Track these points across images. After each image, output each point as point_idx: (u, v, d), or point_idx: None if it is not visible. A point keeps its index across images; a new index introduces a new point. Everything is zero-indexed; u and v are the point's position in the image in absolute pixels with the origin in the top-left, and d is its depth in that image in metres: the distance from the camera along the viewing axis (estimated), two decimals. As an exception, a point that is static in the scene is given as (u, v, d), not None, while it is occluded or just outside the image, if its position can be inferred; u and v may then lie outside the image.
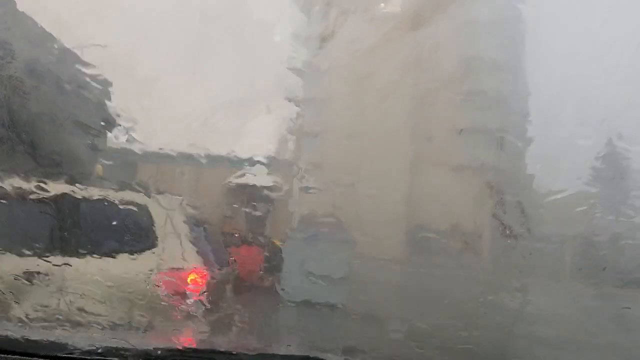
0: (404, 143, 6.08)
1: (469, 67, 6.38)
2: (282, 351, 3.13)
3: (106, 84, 4.89)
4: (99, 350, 2.40)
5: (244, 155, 5.46)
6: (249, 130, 5.74)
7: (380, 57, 5.61)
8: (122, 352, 2.45)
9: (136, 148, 4.75)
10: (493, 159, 5.70)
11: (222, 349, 2.88)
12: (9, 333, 2.66)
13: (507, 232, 4.27)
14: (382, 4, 5.79)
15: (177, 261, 3.94)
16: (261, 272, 5.05)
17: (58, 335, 2.86)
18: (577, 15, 4.63)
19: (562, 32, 4.80)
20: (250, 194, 5.48)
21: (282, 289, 4.46)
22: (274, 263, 5.04)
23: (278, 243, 5.29)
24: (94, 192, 4.04)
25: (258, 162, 5.52)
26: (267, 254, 5.23)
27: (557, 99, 5.05)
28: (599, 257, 4.39)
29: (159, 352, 2.46)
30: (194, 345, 3.18)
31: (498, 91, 6.18)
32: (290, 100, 6.49)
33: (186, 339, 3.31)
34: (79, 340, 2.51)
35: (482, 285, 4.57)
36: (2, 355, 2.31)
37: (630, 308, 3.82)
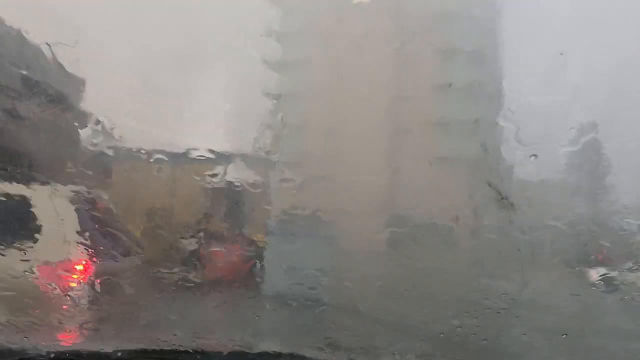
0: (381, 136, 6.09)
1: (445, 58, 6.41)
2: (261, 348, 3.10)
3: (78, 81, 4.81)
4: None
5: (221, 150, 5.41)
6: (226, 125, 5.70)
7: (357, 50, 5.60)
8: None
9: (110, 146, 4.67)
10: (470, 150, 5.73)
11: (192, 349, 2.82)
12: None
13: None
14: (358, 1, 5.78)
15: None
16: (240, 268, 5.02)
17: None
18: (554, 9, 4.68)
19: (537, 21, 4.84)
20: (227, 190, 5.44)
21: (263, 285, 4.45)
22: (253, 259, 5.01)
23: (257, 239, 5.26)
24: None
25: (236, 157, 5.47)
26: (246, 250, 5.20)
27: (533, 89, 5.09)
28: (579, 244, 4.45)
29: (119, 354, 2.39)
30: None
31: (474, 82, 6.22)
32: (267, 95, 6.46)
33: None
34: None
35: (461, 277, 4.60)
36: None
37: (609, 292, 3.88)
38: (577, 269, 4.47)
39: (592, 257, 4.38)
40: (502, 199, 4.30)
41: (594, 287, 4.11)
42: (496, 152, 5.37)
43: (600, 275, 4.09)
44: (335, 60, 5.78)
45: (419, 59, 6.12)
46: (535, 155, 4.40)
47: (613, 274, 4.10)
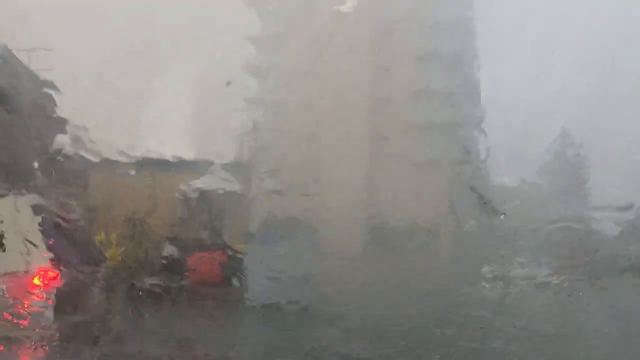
0: (361, 143, 6.10)
1: (423, 65, 6.46)
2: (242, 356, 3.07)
3: (53, 88, 4.73)
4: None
5: (203, 158, 5.38)
6: (206, 134, 5.66)
7: (336, 56, 5.62)
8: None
9: (88, 155, 4.61)
10: (449, 155, 5.77)
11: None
12: None
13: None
14: (337, 6, 5.79)
15: (21, 264, 3.66)
16: (220, 275, 4.97)
17: None
18: (529, 13, 4.76)
19: (513, 30, 4.92)
20: (209, 197, 5.40)
21: (244, 291, 4.41)
22: (234, 266, 4.97)
23: (237, 246, 5.22)
24: None
25: (217, 165, 5.44)
26: (227, 258, 5.15)
27: (510, 96, 5.16)
28: (554, 244, 4.50)
29: None
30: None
31: (452, 89, 6.28)
32: (247, 103, 6.43)
33: (31, 350, 3.13)
34: None
35: (441, 281, 4.61)
36: None
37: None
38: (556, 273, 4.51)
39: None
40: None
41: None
42: (477, 156, 5.43)
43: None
44: (315, 66, 5.79)
45: (398, 65, 6.16)
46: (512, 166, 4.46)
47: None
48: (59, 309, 3.48)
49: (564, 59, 4.59)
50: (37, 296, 3.51)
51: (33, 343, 3.18)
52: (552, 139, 4.59)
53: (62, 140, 4.45)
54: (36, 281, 3.57)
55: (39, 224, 3.72)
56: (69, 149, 4.47)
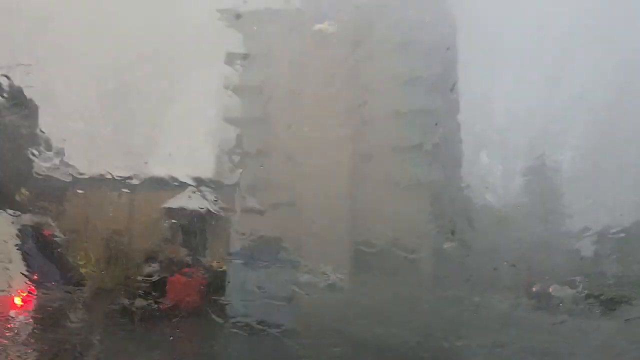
0: (344, 162, 6.12)
1: (405, 86, 6.54)
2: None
3: (33, 106, 4.67)
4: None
5: (183, 177, 5.32)
6: (187, 151, 5.62)
7: (318, 76, 5.66)
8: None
9: (67, 173, 4.54)
10: (433, 176, 5.83)
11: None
12: None
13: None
14: (319, 24, 5.85)
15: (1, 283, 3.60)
16: (201, 295, 4.91)
17: None
18: (509, 32, 4.86)
19: (493, 48, 5.02)
20: (190, 216, 5.35)
21: (225, 311, 4.35)
22: (215, 286, 4.92)
23: (219, 266, 5.17)
24: None
25: (196, 183, 5.40)
26: (208, 277, 5.10)
27: (489, 115, 5.25)
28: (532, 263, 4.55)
29: None
30: None
31: (432, 109, 6.35)
32: (228, 121, 6.42)
33: None
34: None
35: (422, 300, 4.63)
36: None
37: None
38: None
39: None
40: (452, 233, 4.40)
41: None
42: (456, 177, 5.49)
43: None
44: (297, 85, 5.82)
45: (380, 86, 6.23)
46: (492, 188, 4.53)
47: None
48: (38, 328, 3.41)
49: (538, 81, 4.69)
50: (16, 316, 3.44)
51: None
52: (532, 159, 4.66)
53: (41, 158, 4.38)
54: (16, 301, 3.50)
55: (19, 243, 3.66)
56: (47, 167, 4.40)
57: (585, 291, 4.13)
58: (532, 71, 4.76)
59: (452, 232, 4.35)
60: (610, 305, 4.11)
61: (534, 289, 4.39)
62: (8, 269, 3.62)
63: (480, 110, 5.33)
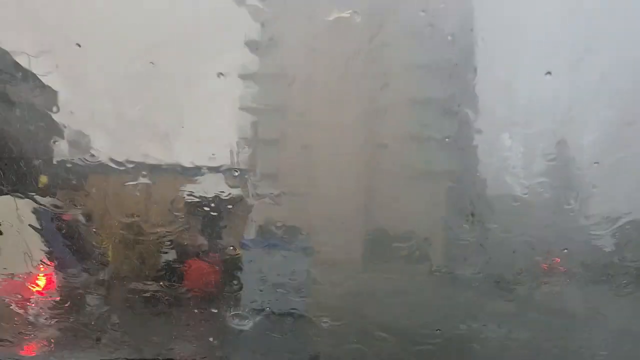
0: (359, 150, 6.12)
1: (419, 75, 6.51)
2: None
3: (52, 93, 4.72)
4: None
5: (199, 164, 5.36)
6: (204, 139, 5.65)
7: (335, 64, 5.65)
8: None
9: (87, 159, 4.59)
10: (446, 164, 5.81)
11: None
12: None
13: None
14: (334, 12, 5.83)
15: (20, 266, 3.64)
16: (217, 282, 4.96)
17: None
18: (523, 27, 4.81)
19: (510, 42, 4.97)
20: (206, 202, 5.39)
21: (240, 298, 4.39)
22: (230, 273, 4.96)
23: (235, 253, 5.21)
24: None
25: (212, 171, 5.43)
26: (223, 265, 5.14)
27: (506, 105, 5.20)
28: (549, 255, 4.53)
29: None
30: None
31: (448, 99, 6.32)
32: (244, 109, 6.44)
33: (31, 351, 3.12)
34: None
35: (440, 286, 4.63)
36: None
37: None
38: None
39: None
40: (472, 214, 4.38)
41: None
42: (476, 162, 5.47)
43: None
44: (314, 73, 5.82)
45: (396, 73, 6.20)
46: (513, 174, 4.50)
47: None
48: (57, 310, 3.48)
49: (556, 73, 4.64)
50: (36, 298, 3.50)
51: (33, 344, 3.16)
52: (550, 147, 4.63)
53: (61, 143, 4.44)
54: (36, 283, 3.56)
55: (39, 227, 3.71)
56: (68, 152, 4.46)
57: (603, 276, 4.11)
58: (554, 55, 4.70)
59: (472, 214, 4.33)
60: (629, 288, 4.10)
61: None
62: (29, 253, 3.69)
63: (502, 95, 5.29)
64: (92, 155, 4.45)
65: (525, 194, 4.61)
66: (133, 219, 4.85)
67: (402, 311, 4.30)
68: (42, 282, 3.67)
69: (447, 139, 5.63)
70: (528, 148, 4.99)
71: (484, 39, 5.15)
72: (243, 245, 5.38)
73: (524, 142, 5.03)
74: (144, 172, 4.69)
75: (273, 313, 4.39)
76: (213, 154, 5.51)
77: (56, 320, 3.56)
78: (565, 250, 4.35)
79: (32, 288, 3.66)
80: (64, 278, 3.80)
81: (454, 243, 4.94)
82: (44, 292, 3.65)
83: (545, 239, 4.48)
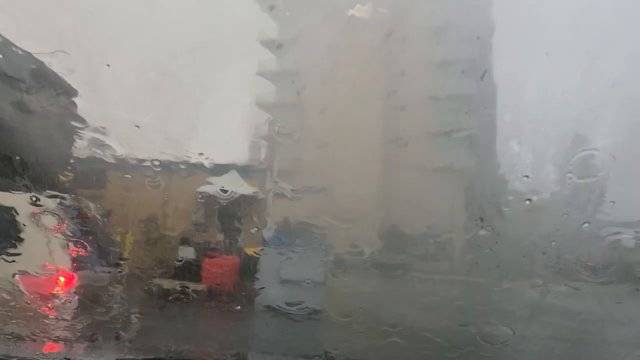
0: (377, 147, 6.11)
1: (439, 70, 6.45)
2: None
3: (72, 91, 4.78)
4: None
5: (216, 162, 5.39)
6: (220, 136, 5.69)
7: (351, 61, 5.63)
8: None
9: (105, 156, 4.65)
10: (466, 162, 5.77)
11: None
12: None
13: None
14: (352, 10, 5.81)
15: (43, 263, 3.68)
16: (235, 279, 5.00)
17: None
18: (546, 24, 4.74)
19: (532, 38, 4.90)
20: (222, 201, 5.42)
21: (258, 294, 4.43)
22: (248, 270, 5.00)
23: (253, 251, 5.24)
24: None
25: (231, 168, 5.47)
26: (240, 261, 5.18)
27: (528, 103, 5.14)
28: (569, 257, 4.47)
29: None
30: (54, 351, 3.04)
31: (468, 95, 6.26)
32: (262, 106, 6.46)
33: (54, 347, 3.16)
34: None
35: (455, 288, 4.61)
36: None
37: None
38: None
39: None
40: (481, 219, 4.35)
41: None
42: (487, 164, 5.42)
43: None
44: (331, 70, 5.81)
45: (414, 70, 6.16)
46: (527, 176, 4.46)
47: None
48: (80, 306, 3.54)
49: (579, 70, 4.58)
50: (58, 295, 3.56)
51: (52, 341, 3.22)
52: (569, 146, 4.57)
53: (82, 141, 4.50)
54: (58, 281, 3.62)
55: (62, 223, 3.77)
56: (88, 150, 4.52)
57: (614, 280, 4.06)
58: (567, 59, 4.65)
59: (481, 219, 4.31)
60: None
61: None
62: (50, 249, 3.75)
63: (514, 96, 5.24)
64: (112, 154, 4.51)
65: (537, 198, 4.57)
66: (152, 217, 4.92)
67: (416, 307, 4.29)
68: (63, 280, 3.74)
69: (463, 136, 5.60)
70: (539, 153, 4.96)
71: (499, 39, 5.10)
72: (261, 242, 5.41)
73: (535, 146, 4.99)
74: (162, 170, 4.74)
75: (290, 310, 4.41)
76: (231, 152, 5.55)
77: (76, 317, 3.62)
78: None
79: (53, 286, 3.72)
80: (84, 276, 3.86)
81: (468, 242, 4.92)
82: (64, 290, 3.72)
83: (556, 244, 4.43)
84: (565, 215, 4.58)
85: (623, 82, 4.25)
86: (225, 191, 5.50)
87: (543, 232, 4.45)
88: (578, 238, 4.30)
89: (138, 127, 4.66)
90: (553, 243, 4.21)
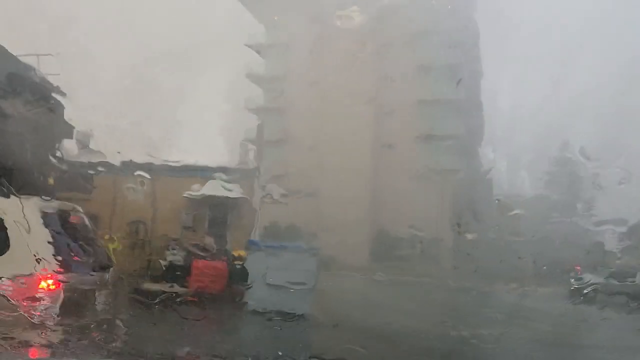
0: (365, 151, 6.13)
1: (425, 76, 6.50)
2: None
3: (61, 94, 4.76)
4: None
5: (205, 165, 5.40)
6: (210, 140, 5.69)
7: (340, 66, 5.66)
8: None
9: (94, 159, 4.63)
10: (452, 166, 5.81)
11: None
12: None
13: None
14: (340, 16, 5.84)
15: (27, 267, 3.64)
16: (222, 282, 4.98)
17: None
18: (531, 24, 4.80)
19: (515, 41, 4.97)
20: (211, 204, 5.43)
21: (245, 298, 4.41)
22: (235, 273, 4.98)
23: (241, 254, 5.23)
24: None
25: (219, 172, 5.46)
26: (227, 264, 5.17)
27: (512, 107, 5.21)
28: (554, 257, 4.53)
29: None
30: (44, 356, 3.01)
31: (454, 100, 6.31)
32: (250, 110, 6.46)
33: (39, 351, 3.13)
34: None
35: (443, 286, 4.64)
36: None
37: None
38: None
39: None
40: (458, 225, 4.40)
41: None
42: (464, 171, 5.48)
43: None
44: (320, 75, 5.84)
45: (401, 76, 6.21)
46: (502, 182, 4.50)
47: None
48: (64, 311, 3.50)
49: (579, 71, 4.66)
50: (43, 300, 3.52)
51: (39, 344, 3.19)
52: (556, 151, 4.63)
53: (69, 145, 4.48)
54: (42, 285, 3.58)
55: (46, 227, 3.73)
56: (75, 154, 4.51)
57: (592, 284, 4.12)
58: (538, 68, 4.73)
59: (459, 225, 4.36)
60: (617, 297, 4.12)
61: None
62: (35, 252, 3.72)
63: (488, 103, 5.31)
64: (99, 157, 4.49)
65: (517, 203, 4.63)
66: (138, 221, 4.90)
67: (398, 310, 4.31)
68: (48, 283, 3.70)
69: (451, 142, 5.66)
70: (513, 159, 5.04)
71: (486, 38, 5.16)
72: (249, 246, 5.40)
73: (511, 154, 5.07)
74: (148, 174, 4.73)
75: (277, 313, 4.40)
76: (219, 156, 5.56)
77: (63, 320, 3.59)
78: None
79: (38, 289, 3.69)
80: (69, 279, 3.83)
81: (447, 247, 4.98)
82: (50, 292, 3.69)
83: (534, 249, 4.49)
84: (541, 220, 4.65)
85: (592, 89, 4.34)
86: (213, 195, 5.50)
87: (519, 236, 4.50)
88: (554, 242, 4.36)
89: (119, 131, 4.66)
90: (529, 247, 4.26)
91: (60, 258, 3.78)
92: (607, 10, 4.46)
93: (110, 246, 4.68)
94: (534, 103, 4.86)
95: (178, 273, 4.88)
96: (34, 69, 4.29)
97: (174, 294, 4.44)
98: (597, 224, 4.47)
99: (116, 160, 4.84)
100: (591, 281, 4.25)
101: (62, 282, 3.74)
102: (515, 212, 4.55)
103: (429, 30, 5.89)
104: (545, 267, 4.49)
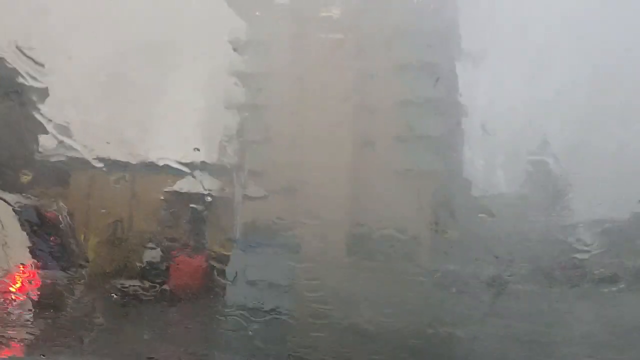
0: (345, 149, 6.12)
1: (404, 74, 6.51)
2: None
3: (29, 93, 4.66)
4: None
5: (183, 161, 5.33)
6: (188, 136, 5.62)
7: (319, 63, 5.65)
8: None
9: (68, 155, 4.55)
10: (430, 165, 5.83)
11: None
12: None
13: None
14: (321, 10, 5.82)
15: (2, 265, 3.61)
16: (201, 280, 4.95)
17: None
18: (511, 18, 4.84)
19: (495, 38, 5.01)
20: (189, 201, 5.37)
21: (225, 296, 4.39)
22: (215, 271, 4.95)
23: (220, 250, 5.19)
24: None
25: (198, 168, 5.41)
26: (208, 263, 5.13)
27: (490, 105, 5.25)
28: (530, 257, 4.58)
29: None
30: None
31: (433, 98, 6.33)
32: (230, 107, 6.40)
33: (10, 353, 3.10)
34: None
35: (423, 288, 4.66)
36: None
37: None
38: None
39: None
40: (435, 224, 4.43)
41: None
42: (454, 166, 5.51)
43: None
44: (300, 72, 5.81)
45: (382, 73, 6.21)
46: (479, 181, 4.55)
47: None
48: (38, 307, 3.45)
49: (556, 69, 4.71)
50: (16, 296, 3.46)
51: (16, 343, 3.14)
52: (533, 150, 4.69)
53: (44, 140, 4.40)
54: (16, 282, 3.52)
55: (21, 223, 3.67)
56: (51, 149, 4.42)
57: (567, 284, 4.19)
58: (514, 68, 4.79)
59: (436, 223, 4.41)
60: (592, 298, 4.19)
61: None
62: (7, 250, 3.65)
63: (481, 98, 5.34)
64: (74, 153, 4.42)
65: (493, 205, 4.67)
66: (116, 218, 4.82)
67: (377, 308, 4.33)
68: (23, 280, 3.64)
69: (432, 140, 5.67)
70: (492, 159, 5.09)
71: (466, 36, 5.19)
72: (228, 243, 5.37)
73: (485, 152, 5.11)
74: (126, 171, 4.67)
75: (257, 311, 4.39)
76: (198, 151, 5.50)
77: (39, 319, 3.53)
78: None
79: (13, 286, 3.63)
80: (47, 276, 3.77)
81: (425, 245, 5.02)
82: (25, 290, 3.62)
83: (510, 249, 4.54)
84: (517, 220, 4.70)
85: (568, 89, 4.41)
86: (192, 192, 5.44)
87: (495, 236, 4.55)
88: (530, 242, 4.41)
89: (96, 126, 4.58)
90: (505, 247, 4.32)
91: (35, 254, 3.73)
92: (585, 10, 4.53)
93: (87, 243, 4.61)
94: (511, 102, 4.92)
95: (156, 270, 4.84)
96: (5, 61, 4.20)
97: (152, 291, 4.40)
98: (573, 224, 4.54)
99: (91, 156, 4.77)
100: (566, 281, 4.31)
101: (37, 278, 3.68)
102: (492, 210, 4.60)
103: (414, 28, 5.91)
104: (522, 266, 4.55)
